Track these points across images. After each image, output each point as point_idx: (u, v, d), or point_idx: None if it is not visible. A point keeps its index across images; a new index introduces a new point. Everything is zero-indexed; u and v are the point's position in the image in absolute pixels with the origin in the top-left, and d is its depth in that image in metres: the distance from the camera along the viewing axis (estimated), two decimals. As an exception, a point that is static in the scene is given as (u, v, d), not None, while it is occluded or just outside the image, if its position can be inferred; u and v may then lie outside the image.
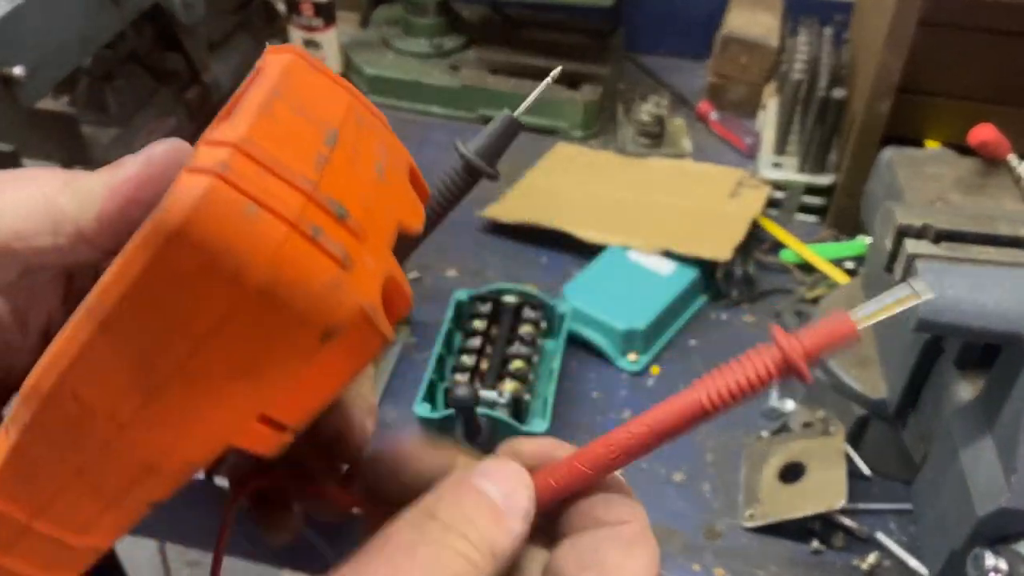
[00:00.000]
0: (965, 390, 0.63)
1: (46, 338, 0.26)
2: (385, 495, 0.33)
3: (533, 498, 0.30)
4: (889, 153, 0.77)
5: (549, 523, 0.32)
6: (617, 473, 0.33)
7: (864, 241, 0.95)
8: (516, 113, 0.34)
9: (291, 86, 0.24)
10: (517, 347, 0.79)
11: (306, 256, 0.21)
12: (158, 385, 0.23)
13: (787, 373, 0.29)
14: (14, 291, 0.28)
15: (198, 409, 0.24)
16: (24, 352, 0.29)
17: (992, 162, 0.76)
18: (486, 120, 1.18)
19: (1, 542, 0.26)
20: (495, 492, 0.30)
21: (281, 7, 1.23)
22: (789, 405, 0.80)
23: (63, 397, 0.23)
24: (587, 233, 0.95)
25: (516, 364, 0.78)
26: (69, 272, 0.30)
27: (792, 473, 0.72)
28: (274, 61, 0.25)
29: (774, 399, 0.82)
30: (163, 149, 0.26)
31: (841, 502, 0.68)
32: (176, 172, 0.22)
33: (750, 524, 0.72)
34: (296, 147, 0.22)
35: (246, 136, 0.21)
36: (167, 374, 0.23)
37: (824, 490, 0.69)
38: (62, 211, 0.26)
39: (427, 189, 0.32)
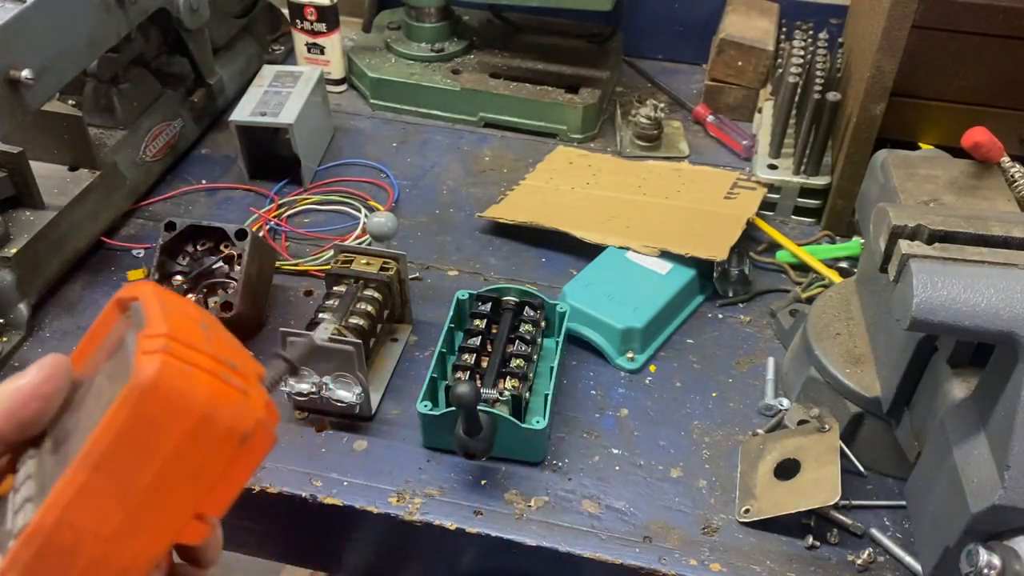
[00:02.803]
0: (959, 388, 0.64)
1: None
2: None
3: None
4: (883, 155, 0.78)
5: None
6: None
7: (858, 242, 0.96)
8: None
9: (163, 301, 0.35)
10: (517, 346, 0.80)
11: (225, 393, 0.33)
12: (135, 501, 0.32)
13: None
14: None
15: (160, 515, 0.33)
16: None
17: (985, 164, 0.77)
18: (487, 124, 1.19)
19: None
20: None
21: (285, 12, 1.24)
22: (784, 403, 0.81)
23: (62, 528, 0.31)
24: (586, 234, 0.96)
25: (516, 362, 0.79)
26: None
27: (787, 470, 0.73)
28: (139, 289, 0.36)
29: (770, 396, 0.83)
30: (51, 363, 0.35)
31: (836, 498, 0.69)
32: (60, 382, 0.34)
33: (746, 520, 0.73)
34: (192, 332, 0.33)
35: (169, 330, 0.32)
36: (141, 491, 0.32)
37: (819, 486, 0.70)
38: None
39: None
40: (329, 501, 0.74)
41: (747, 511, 0.73)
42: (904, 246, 0.61)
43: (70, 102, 1.02)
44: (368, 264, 0.85)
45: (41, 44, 0.82)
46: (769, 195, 1.03)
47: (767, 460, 0.75)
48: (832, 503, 0.69)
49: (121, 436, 0.30)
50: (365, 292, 0.83)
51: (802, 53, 1.05)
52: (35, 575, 0.31)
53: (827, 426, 0.74)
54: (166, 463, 0.32)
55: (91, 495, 0.31)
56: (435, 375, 0.79)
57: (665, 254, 0.93)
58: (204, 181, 1.10)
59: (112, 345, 0.36)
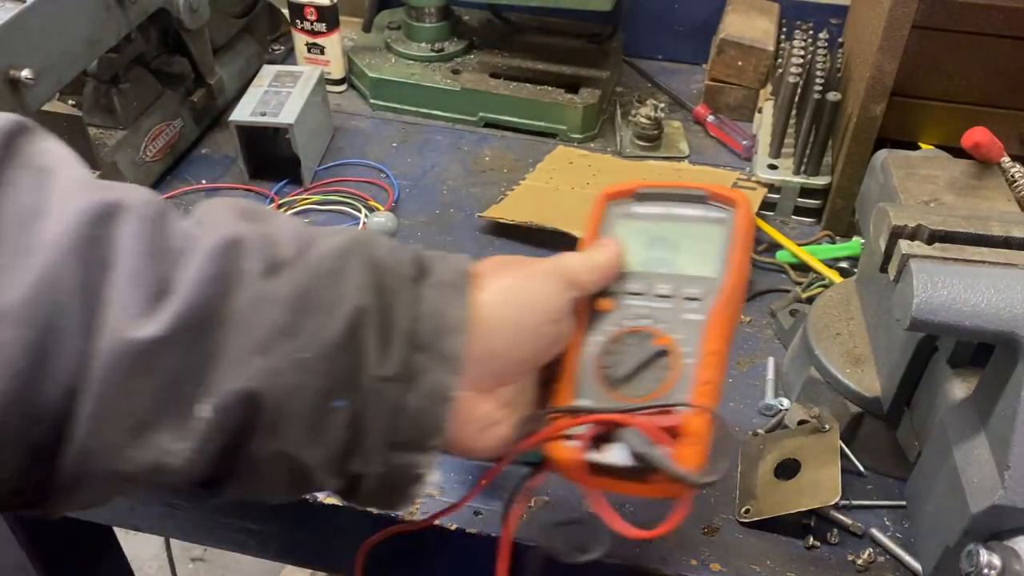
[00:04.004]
0: (959, 388, 0.64)
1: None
2: None
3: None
4: (883, 155, 0.78)
5: None
6: None
7: (858, 242, 0.96)
8: None
9: None
10: (517, 346, 0.80)
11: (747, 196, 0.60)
12: (743, 273, 0.57)
13: None
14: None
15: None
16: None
17: (985, 164, 0.77)
18: (487, 124, 1.19)
19: None
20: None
21: (285, 12, 1.24)
22: (784, 403, 0.81)
23: (736, 288, 0.55)
24: (586, 234, 0.96)
25: (516, 363, 0.78)
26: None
27: (787, 469, 0.73)
28: (631, 183, 0.61)
29: (770, 396, 0.83)
30: (616, 243, 0.57)
31: (836, 498, 0.69)
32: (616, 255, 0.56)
33: (746, 520, 0.72)
34: None
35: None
36: (742, 264, 0.57)
37: (819, 486, 0.70)
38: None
39: None
40: (329, 501, 0.74)
41: (747, 511, 0.73)
42: (904, 246, 0.61)
43: (70, 102, 1.02)
44: (368, 264, 0.85)
45: (41, 44, 0.82)
46: (769, 195, 1.03)
47: (767, 460, 0.75)
48: (832, 503, 0.69)
49: (746, 236, 0.56)
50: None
51: (802, 53, 1.04)
52: (728, 315, 0.54)
53: (827, 426, 0.74)
54: (746, 253, 0.56)
55: (739, 269, 0.55)
56: (435, 375, 0.78)
57: (665, 254, 0.93)
58: (204, 181, 1.10)
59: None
